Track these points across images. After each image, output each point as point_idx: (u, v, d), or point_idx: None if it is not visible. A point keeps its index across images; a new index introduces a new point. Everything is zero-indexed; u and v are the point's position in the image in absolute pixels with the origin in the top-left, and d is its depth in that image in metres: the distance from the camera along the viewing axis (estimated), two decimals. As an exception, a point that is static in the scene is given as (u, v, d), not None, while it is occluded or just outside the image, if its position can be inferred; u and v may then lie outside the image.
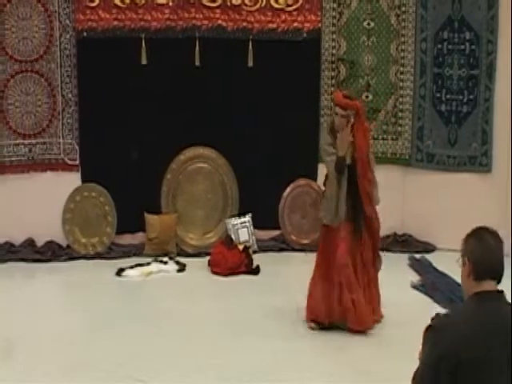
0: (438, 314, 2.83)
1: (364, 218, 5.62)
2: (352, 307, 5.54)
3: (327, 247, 5.66)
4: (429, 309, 5.85)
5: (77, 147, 7.53)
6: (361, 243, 5.61)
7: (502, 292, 2.77)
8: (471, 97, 7.49)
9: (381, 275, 6.85)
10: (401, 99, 7.68)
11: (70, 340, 5.59)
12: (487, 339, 2.65)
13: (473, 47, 7.41)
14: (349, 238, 5.57)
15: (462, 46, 7.45)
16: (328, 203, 5.60)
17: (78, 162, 7.55)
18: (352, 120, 5.49)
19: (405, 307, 6.17)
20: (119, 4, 7.33)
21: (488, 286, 2.75)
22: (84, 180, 7.58)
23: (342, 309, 5.56)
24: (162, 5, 7.35)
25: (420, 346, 2.77)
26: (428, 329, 2.73)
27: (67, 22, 7.34)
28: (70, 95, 7.46)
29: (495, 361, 2.63)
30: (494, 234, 2.81)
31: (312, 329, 5.71)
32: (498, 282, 2.78)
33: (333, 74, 7.64)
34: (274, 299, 6.23)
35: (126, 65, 7.36)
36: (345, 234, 5.56)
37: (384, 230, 7.74)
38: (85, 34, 7.32)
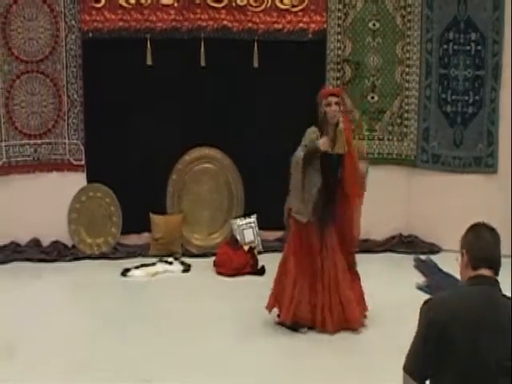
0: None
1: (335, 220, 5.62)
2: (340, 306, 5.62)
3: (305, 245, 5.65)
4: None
5: (82, 147, 7.55)
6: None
7: (497, 280, 2.90)
8: (477, 98, 7.49)
9: (387, 276, 6.88)
10: (406, 100, 7.67)
11: (75, 340, 5.62)
12: (475, 316, 2.77)
13: (478, 48, 7.41)
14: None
15: (468, 47, 7.44)
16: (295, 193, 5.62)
17: (83, 163, 7.57)
18: (341, 118, 5.61)
19: (410, 308, 6.15)
20: (124, 5, 7.35)
21: (484, 272, 2.90)
22: (89, 180, 7.61)
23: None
24: (168, 5, 7.37)
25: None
26: (426, 302, 2.91)
27: (73, 22, 7.36)
28: (75, 96, 7.48)
29: (479, 337, 2.74)
30: (490, 229, 2.98)
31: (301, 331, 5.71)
32: (496, 273, 2.92)
33: (338, 74, 7.64)
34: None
35: (131, 65, 7.38)
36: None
37: (389, 231, 7.82)
38: (90, 34, 7.35)
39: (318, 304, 5.64)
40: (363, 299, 5.84)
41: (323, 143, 5.52)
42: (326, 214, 5.63)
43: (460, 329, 2.75)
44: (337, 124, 5.61)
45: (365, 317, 5.87)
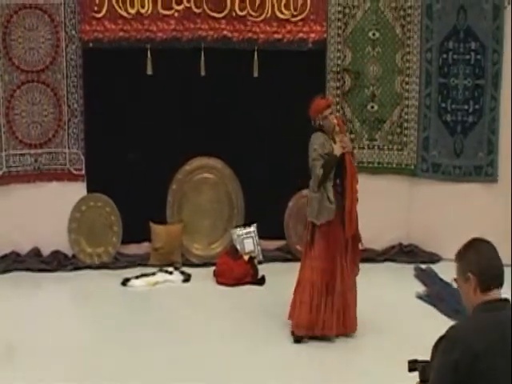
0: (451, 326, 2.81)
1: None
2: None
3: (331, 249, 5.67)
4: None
5: (82, 157, 7.57)
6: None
7: (507, 300, 2.77)
8: (477, 107, 7.52)
9: (387, 286, 6.89)
10: (406, 109, 7.70)
11: (75, 350, 5.64)
12: (500, 348, 2.64)
13: (478, 57, 7.44)
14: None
15: (468, 56, 7.47)
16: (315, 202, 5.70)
17: (83, 172, 7.59)
18: (335, 121, 5.76)
19: (410, 318, 6.18)
20: (125, 15, 7.37)
21: (495, 294, 2.75)
22: (90, 190, 7.62)
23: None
24: (168, 15, 7.39)
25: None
26: (441, 339, 2.72)
27: (73, 32, 7.39)
28: (75, 105, 7.51)
29: (508, 368, 2.62)
30: (488, 243, 2.82)
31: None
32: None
33: (338, 84, 7.67)
34: (279, 310, 6.23)
35: (131, 75, 7.40)
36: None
37: (389, 241, 7.82)
38: (91, 44, 7.37)
39: (327, 306, 5.63)
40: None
41: (337, 148, 5.62)
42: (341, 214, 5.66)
43: (492, 359, 2.62)
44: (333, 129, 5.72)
45: None
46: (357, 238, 5.84)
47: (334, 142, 5.68)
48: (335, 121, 5.73)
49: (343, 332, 5.74)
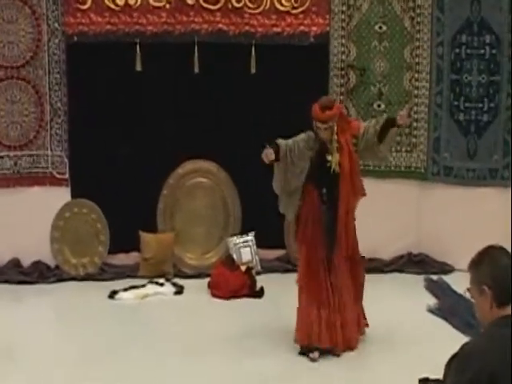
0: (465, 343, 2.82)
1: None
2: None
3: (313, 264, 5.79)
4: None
5: (66, 160, 7.62)
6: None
7: None
8: (492, 105, 7.57)
9: (395, 298, 6.93)
10: (415, 108, 7.75)
11: (58, 368, 5.66)
12: None
13: (493, 51, 7.49)
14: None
15: (482, 51, 7.52)
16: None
17: (67, 176, 7.63)
18: (335, 128, 5.72)
19: (420, 332, 6.23)
20: (112, 6, 7.42)
21: (510, 309, 2.76)
22: (74, 195, 7.66)
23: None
24: (159, 7, 7.44)
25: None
26: (454, 357, 2.74)
27: (56, 25, 7.44)
28: (58, 104, 7.55)
29: None
30: (505, 252, 2.80)
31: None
32: None
33: (342, 81, 7.73)
34: (279, 323, 6.29)
35: (119, 72, 7.46)
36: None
37: (398, 250, 7.86)
38: (75, 38, 7.42)
39: (324, 321, 5.74)
40: (362, 318, 6.01)
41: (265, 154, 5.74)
42: (331, 229, 5.73)
43: (508, 378, 2.61)
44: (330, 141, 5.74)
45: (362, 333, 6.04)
46: (357, 262, 5.93)
47: (326, 151, 5.71)
48: (325, 136, 5.72)
49: (337, 346, 5.80)
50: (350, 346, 5.88)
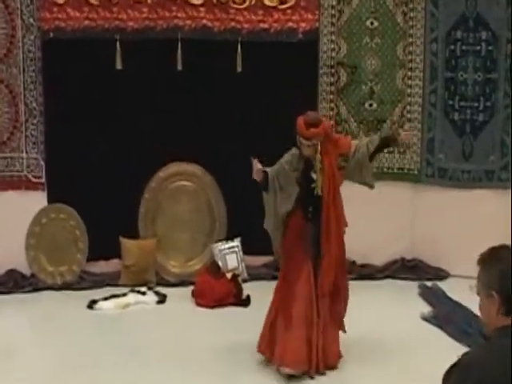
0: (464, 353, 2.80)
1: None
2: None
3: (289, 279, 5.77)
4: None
5: (42, 163, 7.60)
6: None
7: None
8: (488, 104, 7.60)
9: (388, 306, 6.93)
10: (409, 107, 7.78)
11: (37, 382, 5.62)
12: None
13: (490, 48, 7.53)
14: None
15: (478, 47, 7.56)
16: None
17: (43, 180, 7.62)
18: (319, 148, 5.62)
19: (414, 341, 6.24)
20: (91, 1, 7.42)
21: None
22: (51, 200, 7.65)
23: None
24: (140, 2, 7.44)
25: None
26: (452, 367, 2.71)
27: (31, 20, 7.42)
28: (34, 104, 7.54)
29: None
30: None
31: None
32: None
33: (332, 79, 7.75)
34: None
35: (98, 70, 7.45)
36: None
37: (391, 255, 7.88)
38: (51, 34, 7.41)
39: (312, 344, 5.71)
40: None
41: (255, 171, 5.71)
42: (316, 246, 5.71)
43: None
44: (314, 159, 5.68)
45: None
46: (339, 294, 5.85)
47: (312, 168, 5.66)
48: (308, 153, 5.65)
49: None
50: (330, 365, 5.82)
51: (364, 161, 5.82)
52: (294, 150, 5.79)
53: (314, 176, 5.65)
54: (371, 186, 6.00)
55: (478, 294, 2.83)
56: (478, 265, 2.84)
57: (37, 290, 7.46)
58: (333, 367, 5.81)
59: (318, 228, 5.70)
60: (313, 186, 5.65)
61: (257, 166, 5.72)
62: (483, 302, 2.80)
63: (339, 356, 5.88)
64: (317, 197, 5.66)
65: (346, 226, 5.84)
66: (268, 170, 5.76)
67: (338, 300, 5.84)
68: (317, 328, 5.67)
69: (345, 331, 5.92)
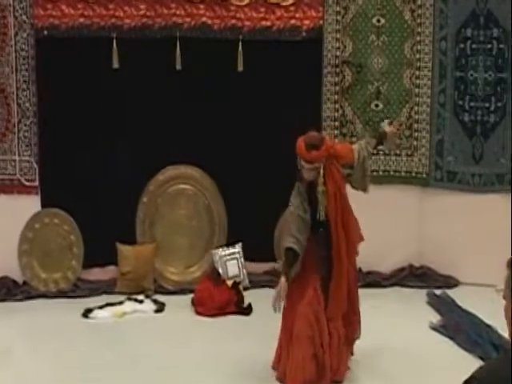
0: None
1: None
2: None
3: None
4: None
5: (35, 166, 7.60)
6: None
7: None
8: (499, 104, 7.60)
9: (395, 315, 6.92)
10: (416, 108, 7.78)
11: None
12: None
13: (501, 46, 7.53)
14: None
15: (489, 45, 7.56)
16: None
17: (36, 184, 7.62)
18: (322, 171, 5.46)
19: (423, 352, 6.22)
20: (86, -3, 7.44)
21: None
22: (44, 204, 7.65)
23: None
24: (137, -1, 7.47)
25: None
26: (468, 381, 2.69)
27: (24, 17, 7.43)
28: (27, 104, 7.54)
29: None
30: None
31: None
32: None
33: (337, 79, 7.75)
34: (268, 344, 6.25)
35: (94, 69, 7.46)
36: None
37: (399, 262, 7.88)
38: (45, 32, 7.42)
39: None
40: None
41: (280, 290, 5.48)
42: (327, 272, 5.66)
43: None
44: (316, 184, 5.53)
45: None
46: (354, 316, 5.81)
47: (316, 187, 5.54)
48: (309, 177, 5.49)
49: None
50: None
51: (366, 166, 5.76)
52: (297, 186, 5.59)
53: (319, 189, 5.51)
54: (367, 191, 5.92)
55: (506, 302, 2.82)
56: (508, 268, 2.82)
57: (30, 297, 7.45)
58: (339, 382, 5.77)
59: (328, 250, 5.62)
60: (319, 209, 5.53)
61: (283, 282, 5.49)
62: (510, 307, 2.77)
63: (347, 369, 5.84)
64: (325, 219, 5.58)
65: (362, 240, 5.78)
66: (294, 246, 5.49)
67: (351, 322, 5.80)
68: (329, 350, 5.60)
69: (352, 353, 5.90)
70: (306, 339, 5.55)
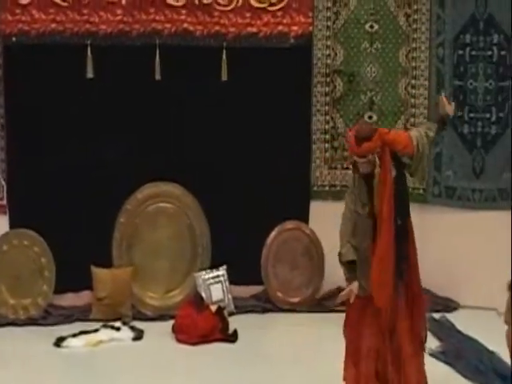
0: None
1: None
2: None
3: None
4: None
5: (3, 183, 7.62)
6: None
7: None
8: (501, 115, 7.67)
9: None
10: (412, 120, 7.83)
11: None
12: None
13: (502, 53, 7.60)
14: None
15: (489, 52, 7.63)
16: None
17: (4, 202, 7.63)
18: (378, 161, 5.32)
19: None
20: (58, 1, 7.45)
21: None
22: (13, 225, 7.66)
23: None
24: (113, 3, 7.49)
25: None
26: None
27: (-9, 23, 7.46)
28: (-6, 117, 7.57)
29: None
30: None
31: None
32: None
33: (327, 89, 7.81)
34: (255, 373, 6.29)
35: (67, 79, 7.49)
36: None
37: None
38: (14, 39, 7.45)
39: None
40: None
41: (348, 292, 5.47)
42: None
43: None
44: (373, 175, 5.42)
45: None
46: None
47: (370, 187, 5.42)
48: (366, 170, 5.33)
49: None
50: None
51: (425, 154, 5.53)
52: (351, 185, 5.53)
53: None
54: (425, 179, 5.94)
55: (506, 322, 2.88)
56: (508, 290, 2.88)
57: (-3, 325, 7.46)
58: None
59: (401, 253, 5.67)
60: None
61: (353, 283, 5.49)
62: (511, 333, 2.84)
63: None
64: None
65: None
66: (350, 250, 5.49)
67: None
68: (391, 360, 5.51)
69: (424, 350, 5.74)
70: (368, 355, 5.50)
